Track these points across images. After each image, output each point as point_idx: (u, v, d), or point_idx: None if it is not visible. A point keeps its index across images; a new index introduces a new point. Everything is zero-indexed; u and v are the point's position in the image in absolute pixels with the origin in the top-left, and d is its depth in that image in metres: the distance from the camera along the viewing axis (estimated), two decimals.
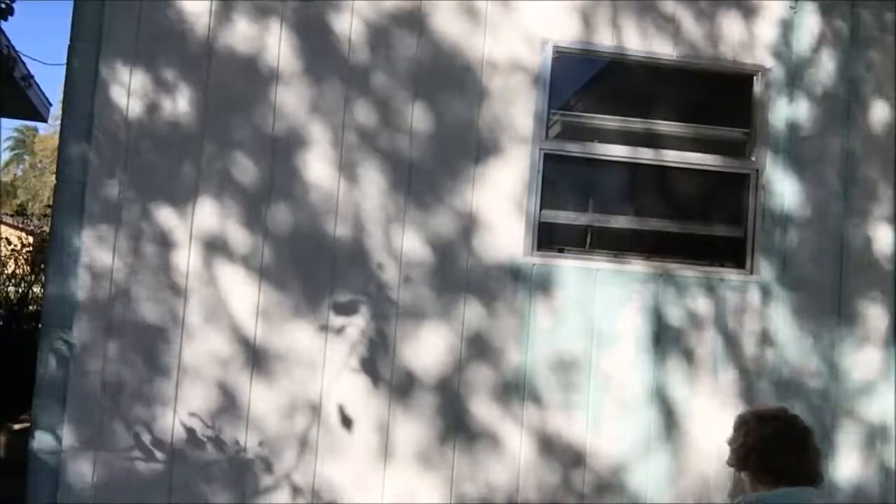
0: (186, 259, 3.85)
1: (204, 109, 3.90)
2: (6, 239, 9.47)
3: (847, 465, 4.19)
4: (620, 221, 4.34)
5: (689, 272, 4.18)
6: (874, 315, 4.27)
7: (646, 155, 4.24)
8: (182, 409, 3.81)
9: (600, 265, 4.11)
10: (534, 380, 4.02)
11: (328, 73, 3.99)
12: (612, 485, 4.04)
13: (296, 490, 3.86)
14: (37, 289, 8.56)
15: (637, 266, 4.16)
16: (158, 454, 3.78)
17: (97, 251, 3.80)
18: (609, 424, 4.05)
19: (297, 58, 3.97)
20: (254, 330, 3.87)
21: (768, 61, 4.30)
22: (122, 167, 3.83)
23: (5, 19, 6.80)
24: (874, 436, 4.22)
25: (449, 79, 4.06)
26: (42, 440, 3.73)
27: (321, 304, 3.92)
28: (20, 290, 8.60)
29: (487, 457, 3.97)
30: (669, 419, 4.10)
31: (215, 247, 3.87)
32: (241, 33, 3.95)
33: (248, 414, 3.84)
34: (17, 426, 6.11)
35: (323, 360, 3.90)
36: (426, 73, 4.04)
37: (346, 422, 3.90)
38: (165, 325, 3.82)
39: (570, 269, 4.08)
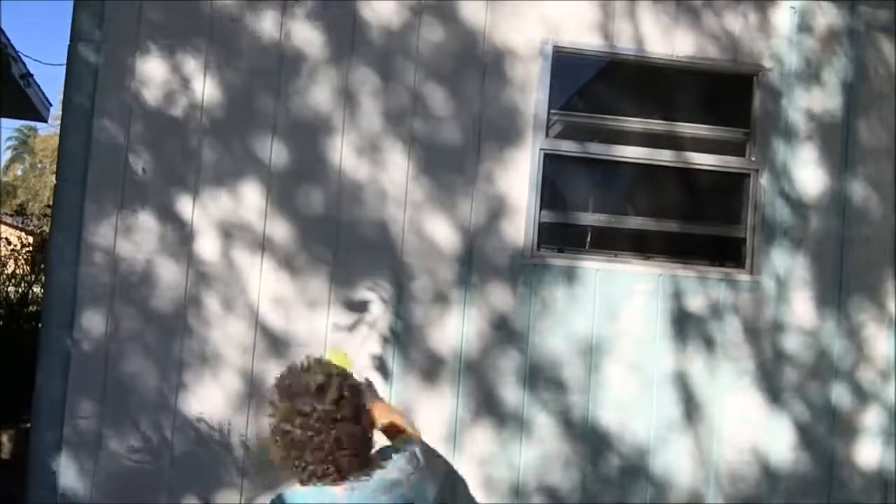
0: (187, 254, 3.85)
1: (205, 106, 3.90)
2: (6, 239, 9.48)
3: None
4: (621, 221, 4.34)
5: (689, 272, 4.17)
6: (878, 310, 4.27)
7: (645, 154, 4.24)
8: (185, 407, 3.81)
9: (600, 265, 4.11)
10: (535, 378, 4.02)
11: (329, 59, 3.99)
12: (603, 488, 4.04)
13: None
14: (37, 289, 8.57)
15: (637, 266, 4.16)
16: (160, 452, 3.78)
17: (97, 248, 3.79)
18: (610, 422, 4.06)
19: (299, 48, 3.97)
20: (260, 324, 3.87)
21: (768, 61, 4.30)
22: (122, 165, 3.83)
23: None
24: (885, 427, 4.24)
25: (448, 75, 4.05)
26: (42, 439, 3.73)
27: (326, 297, 3.92)
28: (20, 290, 8.61)
29: (488, 451, 3.98)
30: (668, 418, 4.10)
31: (217, 240, 3.87)
32: (247, 27, 3.94)
33: (250, 410, 3.84)
34: (23, 426, 6.11)
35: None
36: (427, 69, 4.04)
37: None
38: (168, 321, 3.82)
39: (570, 268, 4.08)
